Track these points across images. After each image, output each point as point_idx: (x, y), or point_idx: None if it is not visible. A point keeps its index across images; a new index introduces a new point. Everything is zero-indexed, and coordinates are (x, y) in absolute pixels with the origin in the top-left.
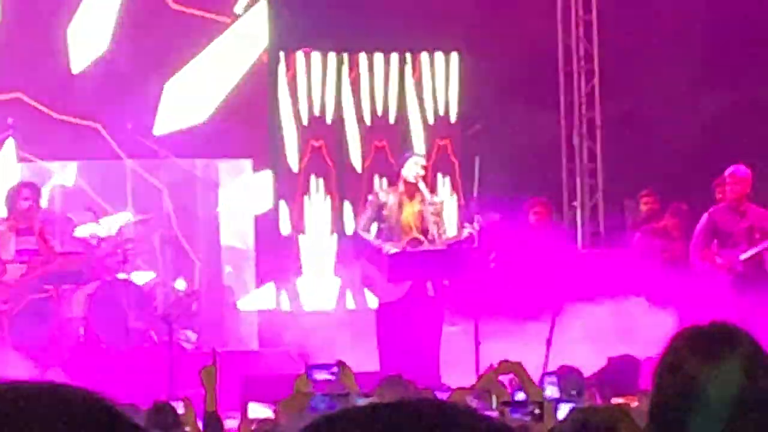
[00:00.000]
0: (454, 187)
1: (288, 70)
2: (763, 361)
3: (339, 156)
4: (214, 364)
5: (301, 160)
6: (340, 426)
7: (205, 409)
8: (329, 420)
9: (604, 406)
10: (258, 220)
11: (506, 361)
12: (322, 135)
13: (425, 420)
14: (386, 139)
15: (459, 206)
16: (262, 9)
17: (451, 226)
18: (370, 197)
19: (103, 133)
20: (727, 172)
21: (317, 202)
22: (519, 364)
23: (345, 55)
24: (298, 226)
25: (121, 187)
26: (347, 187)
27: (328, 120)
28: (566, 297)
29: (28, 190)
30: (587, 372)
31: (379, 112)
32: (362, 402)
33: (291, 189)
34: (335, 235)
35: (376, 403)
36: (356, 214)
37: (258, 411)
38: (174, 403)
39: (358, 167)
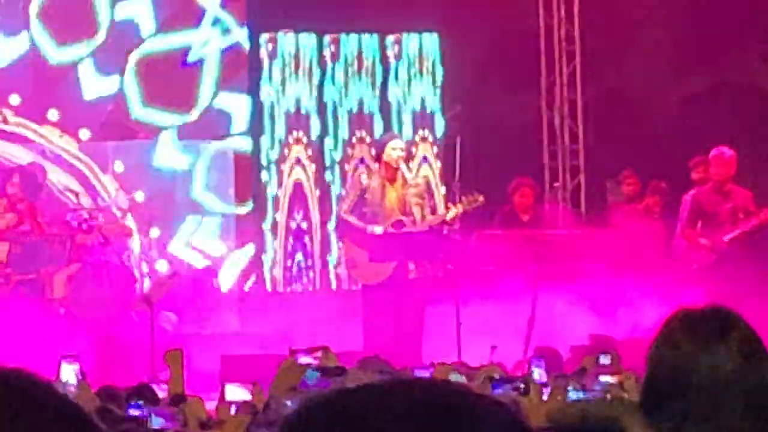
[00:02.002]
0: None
1: (268, 51)
2: (756, 346)
3: (321, 135)
4: (179, 349)
5: (283, 143)
6: (337, 406)
7: (168, 392)
8: (324, 401)
9: (610, 400)
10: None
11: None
12: (304, 117)
13: (436, 401)
14: (367, 120)
15: (442, 187)
16: None
17: (434, 208)
18: (352, 181)
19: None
20: (712, 154)
21: (297, 185)
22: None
23: (325, 37)
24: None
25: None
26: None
27: (311, 100)
28: (549, 277)
29: (18, 175)
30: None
31: (360, 94)
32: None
33: (272, 172)
34: (318, 217)
35: (368, 383)
36: (339, 198)
37: (236, 392)
38: (155, 386)
39: (339, 149)
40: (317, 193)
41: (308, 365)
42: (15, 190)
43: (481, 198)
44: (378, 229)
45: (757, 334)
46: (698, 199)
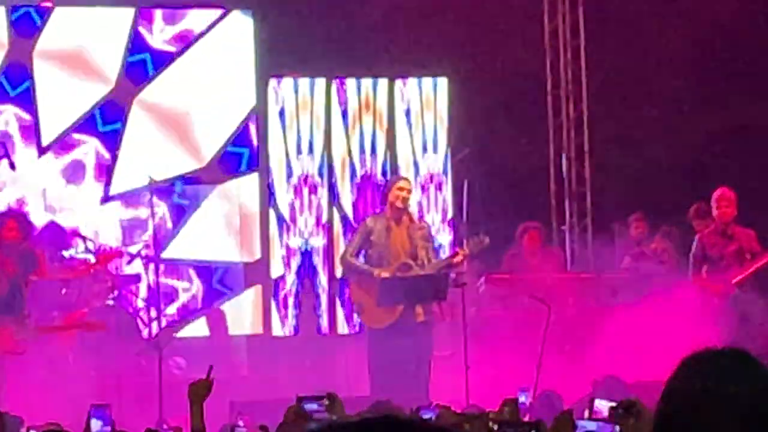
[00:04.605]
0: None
1: (276, 95)
2: None
3: (330, 181)
4: (207, 380)
5: (291, 186)
6: None
7: (191, 427)
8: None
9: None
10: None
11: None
12: (310, 161)
13: None
14: (374, 163)
15: (448, 230)
16: (248, 36)
17: (440, 250)
18: (358, 224)
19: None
20: (715, 195)
21: (306, 228)
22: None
23: (333, 81)
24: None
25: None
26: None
27: (318, 144)
28: (557, 320)
29: (13, 221)
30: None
31: (368, 136)
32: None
33: (280, 217)
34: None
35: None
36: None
37: None
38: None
39: (348, 192)
40: (325, 237)
41: (314, 412)
42: (14, 234)
43: (486, 240)
44: (384, 273)
45: None
46: (702, 243)
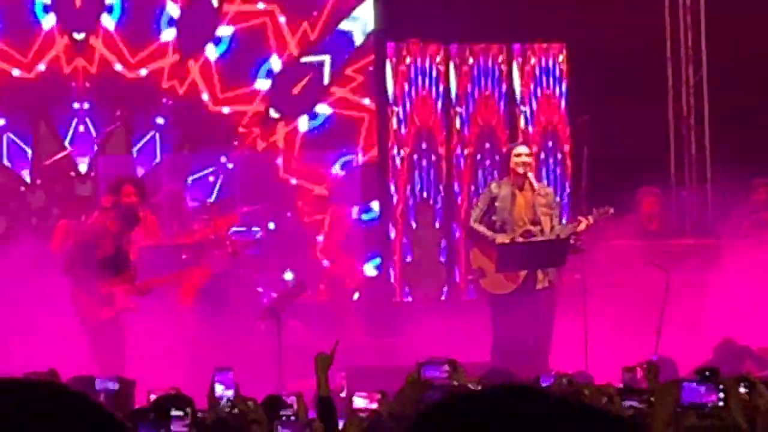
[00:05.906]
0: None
1: (395, 60)
2: None
3: (446, 145)
4: (332, 352)
5: (409, 153)
6: (454, 412)
7: (317, 394)
8: (442, 407)
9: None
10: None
11: None
12: (427, 125)
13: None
14: (495, 128)
15: (569, 196)
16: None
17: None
18: (482, 190)
19: None
20: None
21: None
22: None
23: (451, 46)
24: (405, 219)
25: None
26: (453, 179)
27: (436, 109)
28: (677, 286)
29: (131, 186)
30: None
31: (486, 103)
32: None
33: (397, 181)
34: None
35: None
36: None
37: (363, 402)
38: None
39: (464, 159)
40: (441, 203)
41: (435, 378)
42: (132, 199)
43: (611, 210)
44: (503, 239)
45: None
46: None
